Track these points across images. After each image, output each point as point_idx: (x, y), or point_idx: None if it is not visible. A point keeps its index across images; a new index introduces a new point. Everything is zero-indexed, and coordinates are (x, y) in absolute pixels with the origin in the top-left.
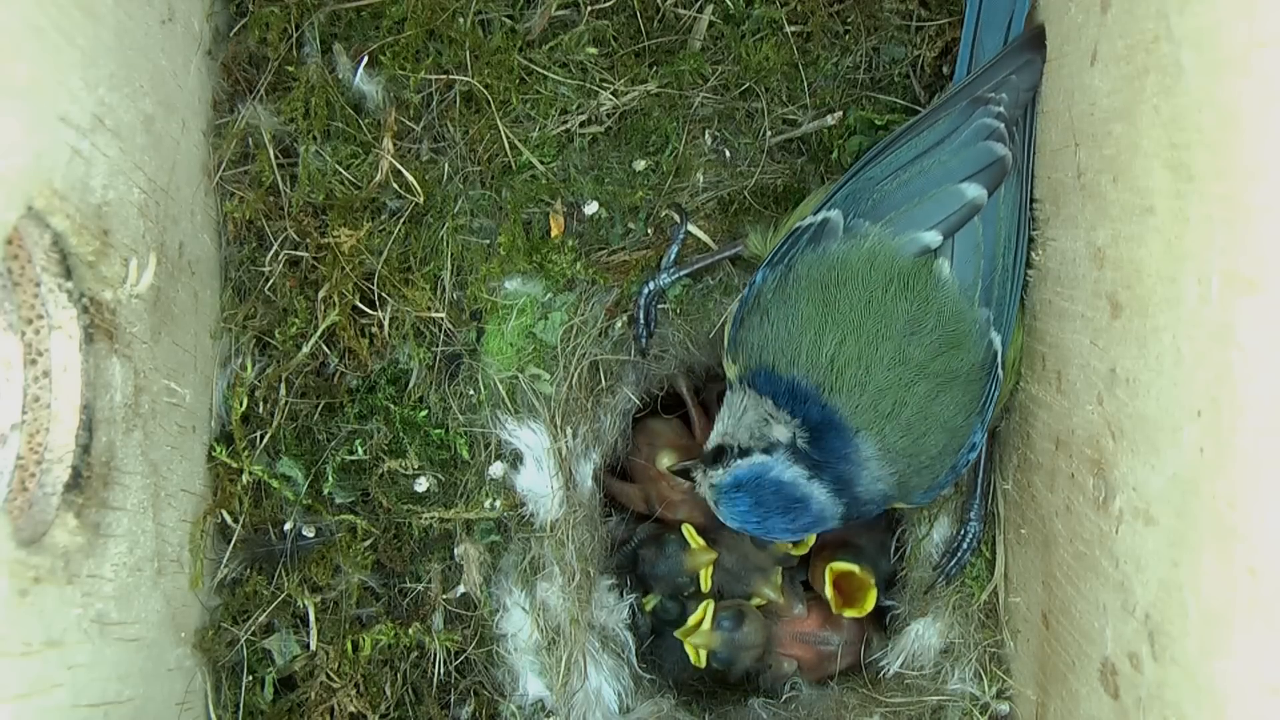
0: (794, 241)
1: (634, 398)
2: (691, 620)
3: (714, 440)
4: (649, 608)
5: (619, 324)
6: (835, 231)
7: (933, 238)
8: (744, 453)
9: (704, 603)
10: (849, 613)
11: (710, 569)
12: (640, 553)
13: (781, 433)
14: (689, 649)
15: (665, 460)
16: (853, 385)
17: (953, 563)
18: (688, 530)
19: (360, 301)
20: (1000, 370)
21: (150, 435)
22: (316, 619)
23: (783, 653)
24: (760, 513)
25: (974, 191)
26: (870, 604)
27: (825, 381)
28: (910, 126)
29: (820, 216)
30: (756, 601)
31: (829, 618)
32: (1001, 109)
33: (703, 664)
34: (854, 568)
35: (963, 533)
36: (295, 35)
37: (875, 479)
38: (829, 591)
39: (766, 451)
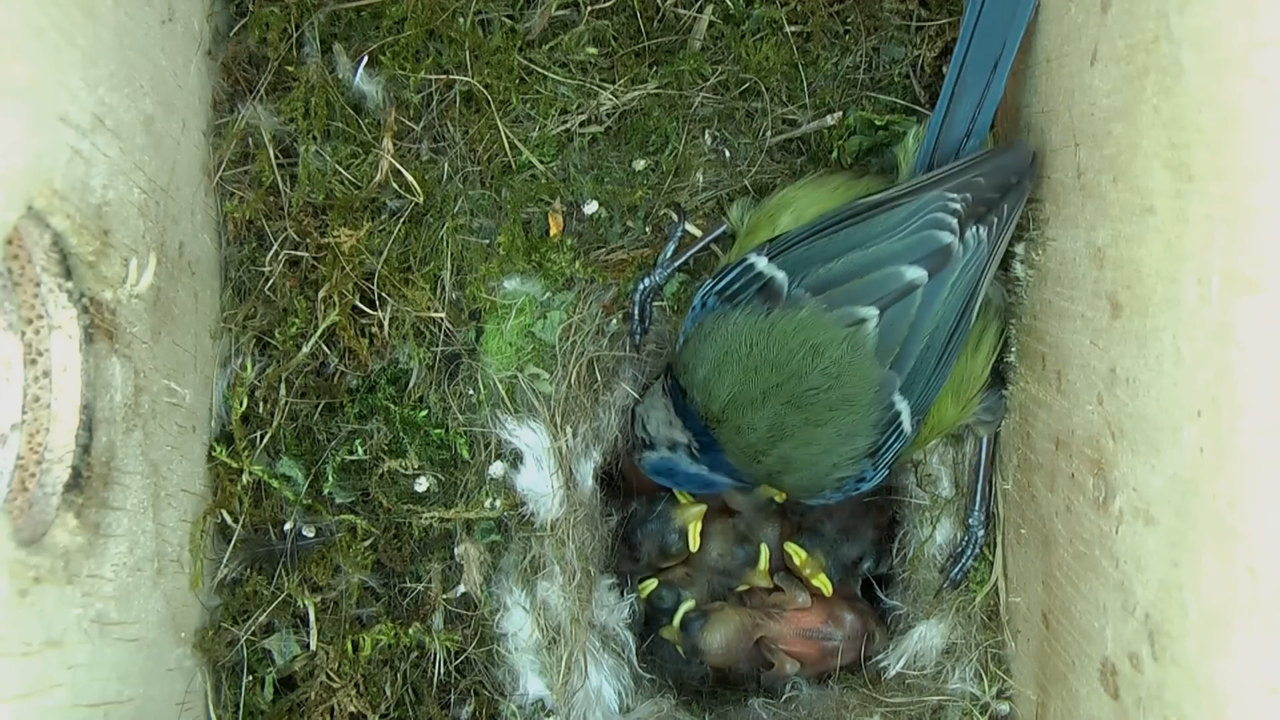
0: (745, 284)
1: (633, 393)
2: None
3: (636, 419)
4: (645, 594)
5: (615, 321)
6: (779, 294)
7: (869, 313)
8: (652, 445)
9: (686, 601)
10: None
11: (698, 525)
12: (634, 512)
13: (681, 437)
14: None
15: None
16: (735, 429)
17: (957, 569)
18: (678, 490)
19: (360, 301)
20: (906, 428)
21: (150, 435)
22: (316, 619)
23: (786, 650)
24: (685, 491)
25: (914, 274)
26: (824, 584)
27: (714, 419)
28: (871, 206)
29: (770, 273)
30: (742, 587)
31: (831, 613)
32: (959, 206)
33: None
34: (800, 552)
35: (967, 539)
36: (295, 35)
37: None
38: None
39: (671, 449)
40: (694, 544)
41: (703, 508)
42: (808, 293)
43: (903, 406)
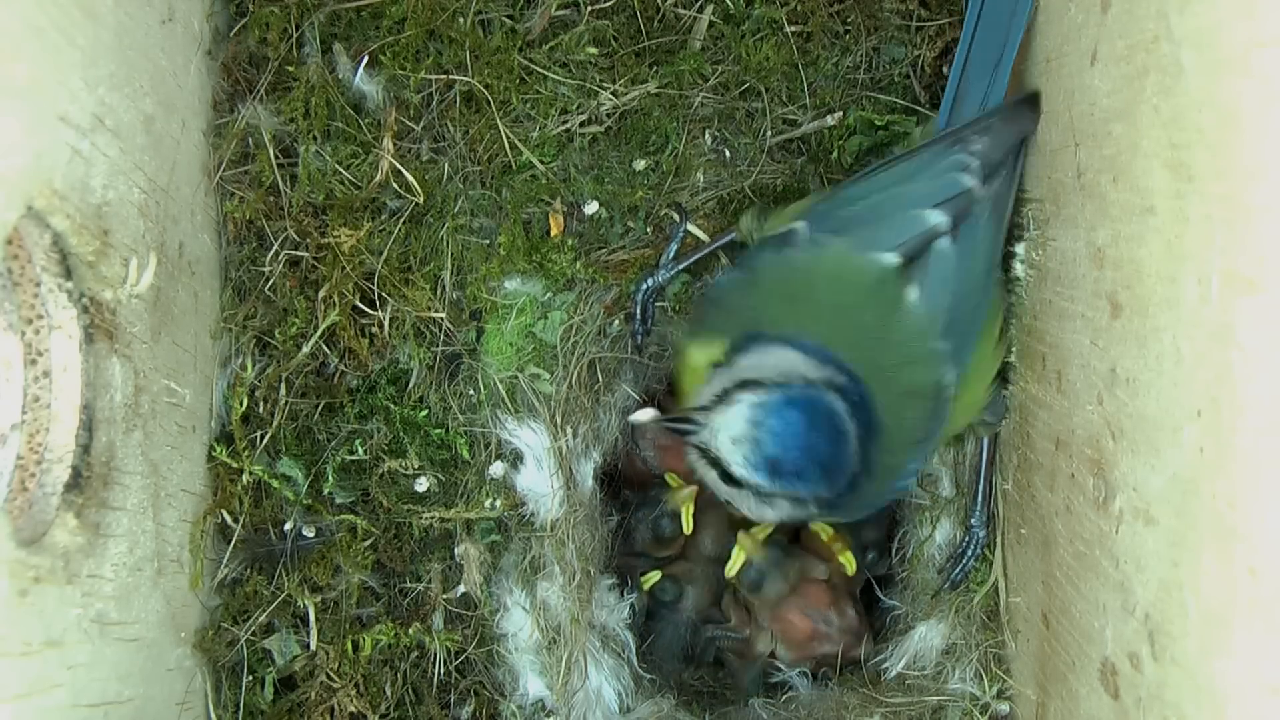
0: (759, 248)
1: (634, 394)
2: (750, 535)
3: (718, 386)
4: (647, 587)
5: (617, 322)
6: (798, 241)
7: (892, 259)
8: (780, 386)
9: (763, 524)
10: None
11: (692, 507)
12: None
13: (817, 372)
14: (738, 549)
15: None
16: (849, 352)
17: (958, 569)
18: (670, 476)
19: (360, 301)
20: (947, 406)
21: (150, 435)
22: (316, 619)
23: (784, 616)
24: (805, 439)
25: (936, 218)
26: (849, 561)
27: (829, 343)
28: (889, 160)
29: (787, 227)
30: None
31: (837, 602)
32: (979, 147)
33: (734, 572)
34: (827, 529)
35: (968, 539)
36: (295, 35)
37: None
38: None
39: (808, 385)
40: (687, 526)
41: (694, 489)
42: (829, 235)
43: (951, 378)
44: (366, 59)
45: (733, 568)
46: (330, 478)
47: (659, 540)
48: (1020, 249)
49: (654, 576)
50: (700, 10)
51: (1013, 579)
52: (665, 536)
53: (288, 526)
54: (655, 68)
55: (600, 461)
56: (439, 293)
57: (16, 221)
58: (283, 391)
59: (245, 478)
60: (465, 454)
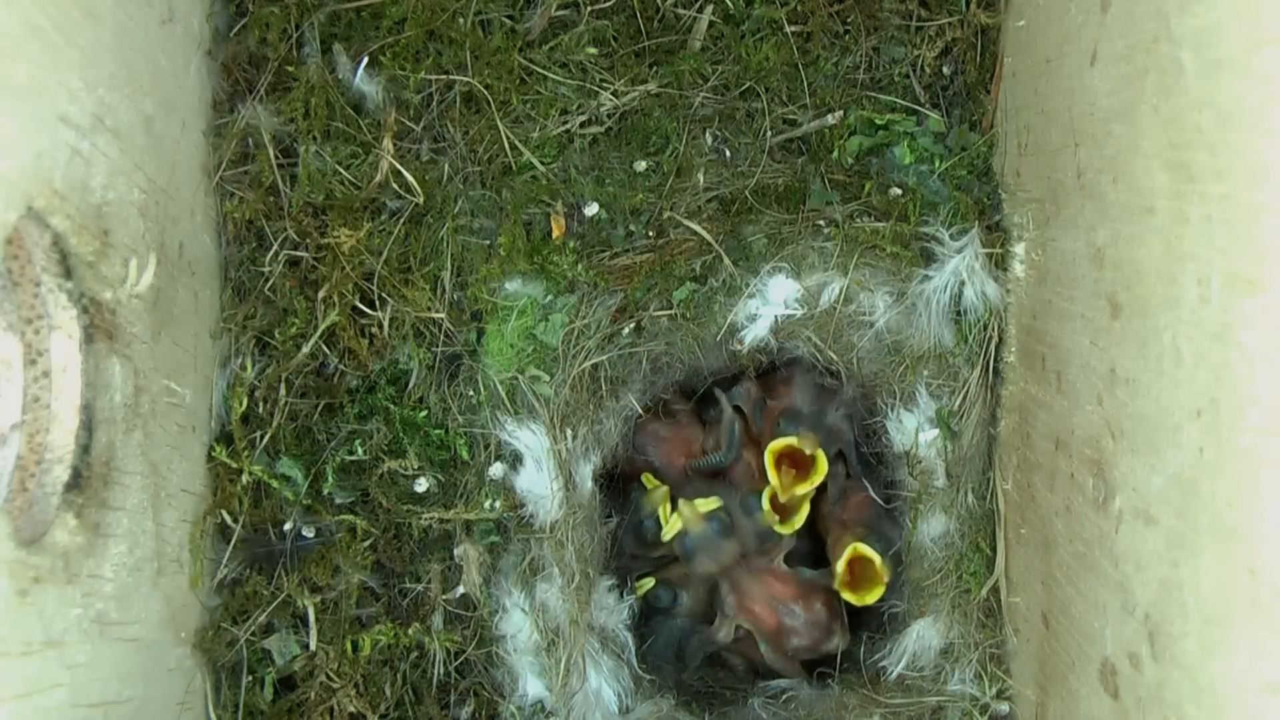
0: None
1: (638, 407)
2: (691, 506)
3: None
4: (642, 593)
5: (626, 330)
6: None
7: None
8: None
9: (713, 496)
10: (850, 597)
11: (668, 506)
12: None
13: None
14: (663, 516)
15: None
16: None
17: None
18: (645, 477)
19: (360, 301)
20: None
21: (150, 435)
22: (316, 619)
23: (748, 607)
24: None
25: None
26: (874, 597)
27: None
28: None
29: None
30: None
31: (805, 595)
32: None
33: (667, 536)
34: (876, 558)
35: None
36: (295, 35)
37: None
38: (841, 566)
39: None
40: (666, 526)
41: (666, 489)
42: None
43: None
44: (366, 59)
45: (668, 533)
46: (330, 478)
47: (643, 543)
48: (1020, 249)
49: (648, 583)
50: (700, 10)
51: (1013, 579)
52: (648, 540)
53: (287, 527)
54: (655, 68)
55: (599, 464)
56: (439, 293)
57: (16, 221)
58: (282, 391)
59: (245, 478)
60: (465, 455)
